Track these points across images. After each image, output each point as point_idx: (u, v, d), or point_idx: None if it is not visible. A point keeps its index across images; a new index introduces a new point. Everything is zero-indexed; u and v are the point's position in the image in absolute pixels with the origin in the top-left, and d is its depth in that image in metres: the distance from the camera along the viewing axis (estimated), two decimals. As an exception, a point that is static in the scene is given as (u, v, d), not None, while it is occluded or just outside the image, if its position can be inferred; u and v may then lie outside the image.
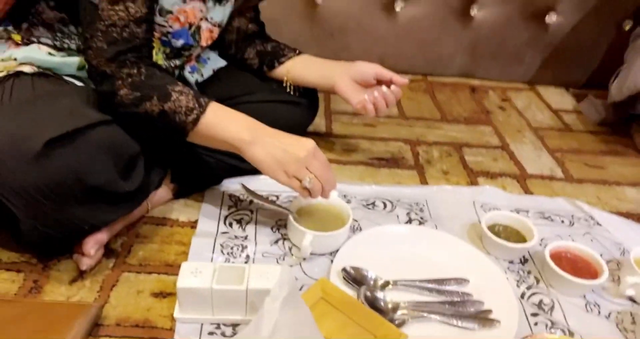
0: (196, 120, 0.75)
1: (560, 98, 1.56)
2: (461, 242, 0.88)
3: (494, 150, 1.24)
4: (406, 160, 1.16)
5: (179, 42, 0.86)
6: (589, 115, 1.45)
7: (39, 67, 0.79)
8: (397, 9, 1.49)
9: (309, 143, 0.77)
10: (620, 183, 1.15)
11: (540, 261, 0.87)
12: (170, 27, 0.83)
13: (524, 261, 0.88)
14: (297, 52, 1.04)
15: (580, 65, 1.58)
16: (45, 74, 0.79)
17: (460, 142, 1.26)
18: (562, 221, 0.99)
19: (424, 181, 1.09)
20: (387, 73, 0.99)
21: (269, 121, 0.90)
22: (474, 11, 1.50)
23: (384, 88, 0.99)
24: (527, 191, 1.09)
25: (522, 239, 0.89)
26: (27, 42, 0.80)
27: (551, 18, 1.50)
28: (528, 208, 1.01)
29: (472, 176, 1.12)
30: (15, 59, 0.78)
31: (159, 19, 0.81)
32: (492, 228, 0.89)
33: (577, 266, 0.83)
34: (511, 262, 0.87)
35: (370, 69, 1.00)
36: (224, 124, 0.76)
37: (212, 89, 0.97)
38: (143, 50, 0.76)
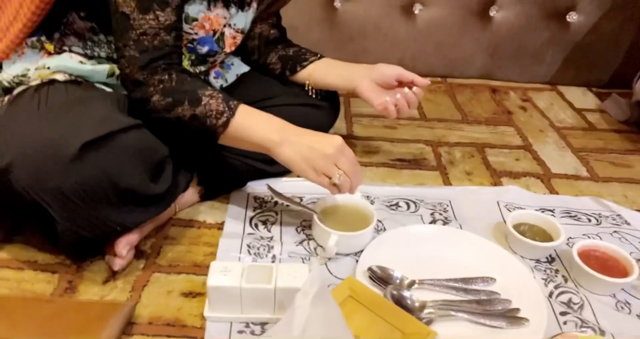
0: (226, 124, 0.77)
1: (582, 97, 1.54)
2: (486, 241, 0.88)
3: (517, 150, 1.24)
4: (428, 161, 1.17)
5: (204, 49, 0.88)
6: (613, 114, 1.43)
7: (71, 74, 0.82)
8: (416, 11, 1.50)
9: (336, 140, 0.78)
10: (647, 182, 1.13)
11: (567, 260, 0.86)
12: (196, 34, 0.85)
13: (551, 260, 0.87)
14: (319, 56, 1.05)
15: (602, 64, 1.57)
16: (77, 81, 0.82)
17: (483, 143, 1.26)
18: (589, 220, 0.98)
19: (447, 182, 1.09)
20: (408, 75, 0.99)
21: (294, 123, 0.92)
22: (493, 12, 1.50)
23: (405, 89, 0.99)
24: (552, 191, 1.08)
25: (548, 238, 0.88)
26: (59, 51, 0.83)
27: (572, 17, 1.49)
28: (553, 207, 1.01)
29: (495, 176, 1.12)
30: (48, 68, 0.81)
31: (185, 26, 0.83)
32: (517, 228, 0.89)
33: (607, 264, 0.82)
34: (538, 261, 0.87)
35: (392, 71, 1.00)
36: (253, 126, 0.78)
37: (236, 94, 0.98)
38: (173, 56, 0.78)
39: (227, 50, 0.93)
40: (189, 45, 0.86)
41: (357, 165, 0.80)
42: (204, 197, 0.97)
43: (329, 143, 0.78)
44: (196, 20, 0.83)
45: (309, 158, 0.77)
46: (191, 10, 0.82)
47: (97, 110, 0.74)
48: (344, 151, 0.78)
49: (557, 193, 1.07)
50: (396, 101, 0.98)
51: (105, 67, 0.83)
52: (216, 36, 0.89)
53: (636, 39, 1.50)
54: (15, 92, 0.80)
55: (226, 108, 0.77)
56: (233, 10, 0.90)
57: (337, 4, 1.49)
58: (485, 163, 1.17)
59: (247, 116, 0.79)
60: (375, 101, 1.00)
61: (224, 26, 0.89)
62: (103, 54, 0.84)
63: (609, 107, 1.46)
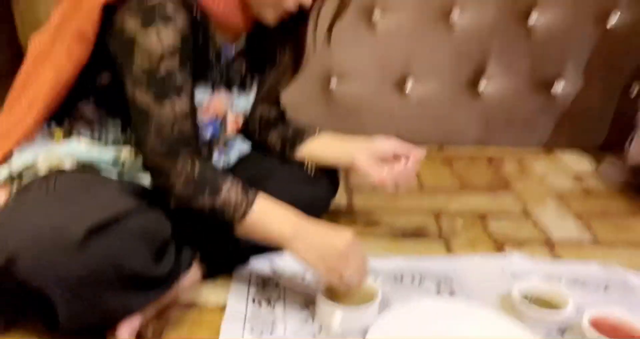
0: (243, 216, 0.80)
1: (578, 161, 1.57)
2: (494, 314, 0.86)
3: (518, 217, 1.25)
4: (430, 231, 1.17)
5: (208, 133, 0.92)
6: (610, 178, 1.45)
7: (78, 161, 0.85)
8: (408, 87, 1.57)
9: (347, 237, 0.80)
10: (652, 245, 1.13)
11: (578, 330, 0.84)
12: (202, 119, 0.89)
13: (562, 331, 0.85)
14: (317, 132, 1.08)
15: (593, 129, 1.62)
16: (84, 168, 0.85)
17: (483, 211, 1.27)
18: (597, 286, 0.96)
19: (450, 251, 1.09)
20: (404, 148, 1.02)
21: (292, 201, 0.93)
22: (482, 85, 1.57)
23: (402, 162, 1.02)
24: (556, 257, 1.08)
25: (557, 307, 0.86)
26: (68, 135, 0.87)
27: (558, 87, 1.56)
28: (560, 274, 0.99)
29: (498, 244, 1.12)
30: (56, 155, 0.84)
31: None
32: (525, 298, 0.87)
33: (619, 334, 0.80)
34: (549, 332, 0.84)
35: (388, 145, 1.03)
36: (267, 220, 0.81)
37: (238, 172, 1.02)
38: (192, 142, 0.81)
39: (230, 132, 0.97)
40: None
41: (366, 262, 0.83)
42: (206, 276, 0.96)
43: (341, 240, 0.79)
44: (201, 106, 0.88)
45: (321, 255, 0.79)
46: (197, 95, 0.87)
47: (102, 196, 0.77)
48: (355, 248, 0.80)
49: (561, 258, 1.07)
50: (394, 175, 1.01)
51: (111, 154, 0.87)
52: (218, 120, 0.93)
53: (621, 104, 1.56)
54: (24, 182, 0.83)
55: (244, 201, 0.80)
56: (235, 93, 0.95)
57: (332, 85, 1.57)
58: (487, 231, 1.17)
59: (263, 209, 0.81)
60: (373, 175, 1.02)
61: (226, 110, 0.94)
62: (111, 138, 0.88)
63: (605, 170, 1.49)
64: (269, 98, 1.09)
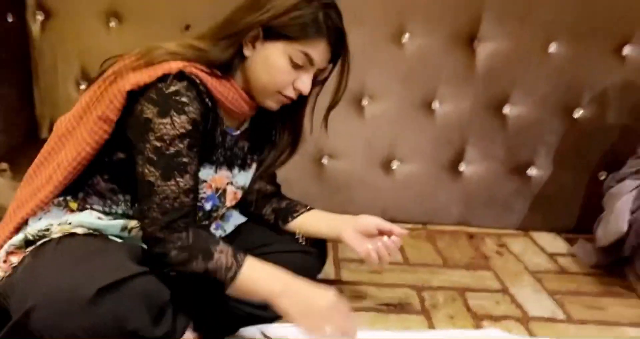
0: (234, 277, 0.87)
1: (553, 242, 1.66)
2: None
3: (496, 293, 1.31)
4: (413, 305, 1.23)
5: (209, 205, 1.01)
6: (582, 259, 1.54)
7: (89, 228, 0.92)
8: (394, 167, 1.69)
9: (330, 296, 0.87)
10: (620, 324, 1.20)
11: None
12: (204, 193, 0.98)
13: None
14: (308, 208, 1.18)
15: (566, 212, 1.73)
16: (94, 234, 0.92)
17: (463, 287, 1.33)
18: (569, 364, 1.02)
19: (431, 325, 1.14)
20: (387, 225, 1.11)
21: (285, 269, 1.00)
22: (462, 167, 1.70)
23: (385, 238, 1.10)
24: (531, 333, 1.13)
25: (530, 382, 0.91)
26: (81, 208, 0.95)
27: (532, 171, 1.69)
28: (533, 350, 1.05)
29: (477, 319, 1.18)
30: (70, 223, 0.92)
31: None
32: (499, 371, 0.92)
33: None
34: None
35: (372, 221, 1.12)
36: (257, 279, 0.88)
37: (235, 242, 1.09)
38: (190, 215, 0.89)
39: (228, 204, 1.06)
40: (198, 204, 0.98)
41: (349, 319, 0.89)
42: (200, 343, 1.00)
43: (323, 298, 0.87)
44: (205, 181, 0.97)
45: (305, 312, 0.86)
46: (201, 174, 0.96)
47: (111, 259, 0.84)
48: (338, 306, 0.87)
49: (535, 335, 1.12)
50: (377, 249, 1.09)
51: (120, 222, 0.94)
52: (219, 193, 1.02)
53: (591, 189, 1.68)
54: (39, 243, 0.90)
55: (234, 263, 0.87)
56: (236, 170, 1.05)
57: (324, 160, 1.69)
58: (467, 307, 1.23)
59: (252, 269, 0.89)
60: (358, 248, 1.10)
61: (227, 184, 1.04)
62: (120, 211, 0.96)
63: (577, 251, 1.57)
64: (267, 175, 1.19)
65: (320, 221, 1.15)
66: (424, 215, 1.73)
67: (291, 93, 0.96)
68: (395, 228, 1.11)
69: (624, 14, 1.56)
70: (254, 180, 1.14)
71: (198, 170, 0.92)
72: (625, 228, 1.32)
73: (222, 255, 0.88)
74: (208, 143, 0.95)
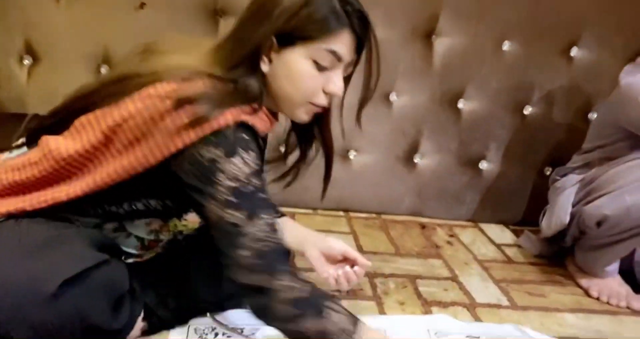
0: None
1: (501, 234, 1.73)
2: (418, 368, 0.93)
3: (445, 281, 1.35)
4: (365, 291, 1.24)
5: None
6: (527, 249, 1.60)
7: None
8: (351, 156, 1.71)
9: None
10: (560, 310, 1.26)
11: (493, 385, 0.92)
12: None
13: (478, 385, 0.93)
14: (280, 214, 1.13)
15: (513, 205, 1.79)
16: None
17: (414, 274, 1.36)
18: (511, 346, 1.06)
19: (382, 311, 1.16)
20: (352, 254, 1.03)
21: None
22: (417, 159, 1.73)
23: (347, 268, 1.03)
24: (477, 318, 1.17)
25: (474, 363, 0.95)
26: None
27: (483, 165, 1.75)
28: (479, 334, 1.08)
29: (426, 306, 1.21)
30: None
31: None
32: (446, 353, 0.95)
33: (527, 387, 0.89)
34: (467, 387, 0.92)
35: (339, 248, 1.04)
36: None
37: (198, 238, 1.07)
38: (284, 257, 0.80)
39: None
40: None
41: None
42: (146, 333, 0.97)
43: None
44: None
45: None
46: None
47: (74, 248, 0.80)
48: None
49: (481, 320, 1.16)
50: (337, 277, 1.02)
51: (94, 221, 0.87)
52: None
53: (538, 183, 1.75)
54: None
55: (351, 327, 0.75)
56: None
57: (281, 148, 1.68)
58: (417, 293, 1.26)
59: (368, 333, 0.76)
60: (319, 270, 1.03)
61: None
62: (133, 232, 0.91)
63: (523, 242, 1.64)
64: None
65: (287, 231, 1.09)
66: (378, 204, 1.76)
67: (323, 101, 0.86)
68: (360, 258, 1.03)
69: (572, 17, 1.63)
70: None
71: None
72: (567, 220, 1.39)
73: (336, 314, 0.75)
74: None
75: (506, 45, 1.64)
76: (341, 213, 1.74)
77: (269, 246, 0.76)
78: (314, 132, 0.98)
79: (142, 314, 0.95)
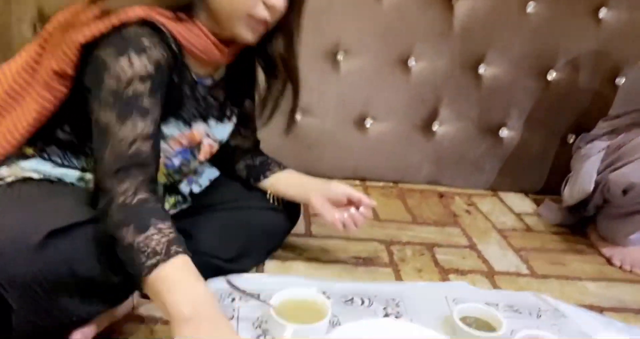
0: (152, 267, 0.71)
1: (520, 202, 1.69)
2: (435, 334, 0.92)
3: (463, 249, 1.33)
4: (381, 259, 1.23)
5: (177, 160, 0.95)
6: (547, 218, 1.57)
7: (43, 174, 0.87)
8: (367, 124, 1.67)
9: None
10: (581, 279, 1.23)
11: (511, 351, 0.90)
12: (172, 148, 0.92)
13: (496, 351, 0.91)
14: (282, 167, 1.13)
15: (534, 173, 1.75)
16: (50, 180, 0.87)
17: (432, 242, 1.34)
18: (530, 314, 1.04)
19: (399, 278, 1.15)
20: (356, 195, 1.07)
21: (255, 225, 0.97)
22: (435, 127, 1.69)
23: (352, 210, 1.06)
24: (495, 286, 1.16)
25: (492, 329, 0.93)
26: (37, 155, 0.88)
27: (503, 132, 1.70)
28: (497, 301, 1.07)
29: (444, 273, 1.19)
30: (22, 168, 0.86)
31: (162, 144, 0.87)
32: (463, 320, 0.94)
33: (546, 354, 0.87)
34: (484, 353, 0.91)
35: (342, 191, 1.08)
36: (173, 286, 0.71)
37: (207, 196, 1.06)
38: (147, 168, 0.80)
39: (201, 158, 1.00)
40: (167, 161, 0.93)
41: None
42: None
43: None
44: (173, 137, 0.91)
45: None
46: (167, 130, 0.89)
47: (64, 202, 0.79)
48: None
49: (500, 288, 1.15)
50: (344, 219, 1.05)
51: (76, 173, 0.89)
52: (192, 147, 0.96)
53: (559, 151, 1.71)
54: None
55: (163, 251, 0.72)
56: (212, 122, 0.98)
57: (297, 116, 1.65)
58: (434, 261, 1.25)
59: (177, 271, 0.72)
60: (325, 216, 1.06)
61: (204, 136, 0.97)
62: (78, 165, 0.89)
63: (543, 211, 1.61)
64: (245, 131, 1.13)
65: (291, 183, 1.11)
66: (396, 173, 1.73)
67: (263, 13, 0.84)
68: (365, 198, 1.07)
69: (602, -25, 1.55)
70: (232, 135, 1.08)
71: (159, 120, 0.82)
72: (591, 188, 1.35)
73: (157, 235, 0.73)
74: (175, 96, 0.87)
75: (530, 7, 1.57)
76: (357, 182, 1.72)
77: (129, 151, 0.77)
78: (276, 61, 0.96)
79: None
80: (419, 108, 1.67)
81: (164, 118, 0.85)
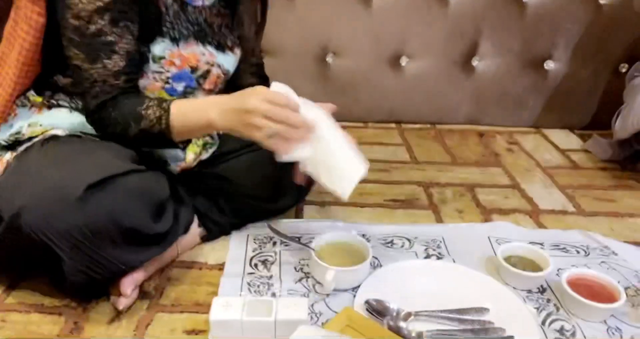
0: (168, 124, 0.82)
1: (566, 139, 1.61)
2: (479, 274, 0.91)
3: (505, 189, 1.29)
4: (421, 201, 1.21)
5: (181, 86, 0.92)
6: (596, 154, 1.50)
7: (68, 130, 0.87)
8: (403, 63, 1.60)
9: (258, 92, 0.79)
10: (633, 215, 1.18)
11: (558, 289, 0.89)
12: (168, 71, 0.89)
13: (542, 290, 0.90)
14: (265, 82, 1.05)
15: (582, 108, 1.65)
16: (77, 135, 0.88)
17: (472, 183, 1.31)
18: (578, 252, 1.01)
19: (439, 220, 1.13)
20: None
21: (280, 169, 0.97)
22: (475, 62, 1.60)
23: None
24: (540, 226, 1.12)
25: (538, 269, 0.91)
26: (47, 104, 0.90)
27: (548, 65, 1.60)
28: (542, 240, 1.04)
29: (486, 213, 1.16)
30: (40, 125, 0.87)
31: (154, 66, 0.87)
32: (508, 260, 0.92)
33: (595, 292, 0.85)
34: (529, 292, 0.89)
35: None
36: (189, 116, 0.83)
37: (233, 137, 1.05)
38: (121, 97, 0.84)
39: (206, 87, 0.97)
40: (167, 86, 0.91)
41: (288, 112, 0.78)
42: (205, 239, 1.00)
43: (249, 97, 0.78)
44: (163, 57, 0.88)
45: (238, 119, 0.79)
46: (156, 49, 0.87)
47: (100, 157, 0.80)
48: (270, 100, 0.77)
49: (545, 227, 1.11)
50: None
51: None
52: (197, 73, 0.93)
53: (609, 83, 1.60)
54: (21, 148, 0.85)
55: (162, 112, 0.82)
56: (211, 49, 0.93)
57: (328, 58, 1.59)
58: (476, 202, 1.22)
59: (181, 109, 0.83)
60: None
61: (212, 66, 0.94)
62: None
63: (591, 146, 1.53)
64: (250, 67, 1.07)
65: None
66: (433, 114, 1.67)
67: None
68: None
69: None
70: (238, 72, 1.04)
71: (135, 49, 0.83)
72: (646, 119, 1.26)
73: (150, 110, 0.82)
74: (153, 12, 0.85)
75: None
76: (393, 125, 1.67)
77: (103, 88, 0.81)
78: None
79: (196, 221, 0.98)
80: (458, 42, 1.58)
81: (150, 38, 0.85)
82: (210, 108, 0.82)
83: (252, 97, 0.78)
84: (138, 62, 0.85)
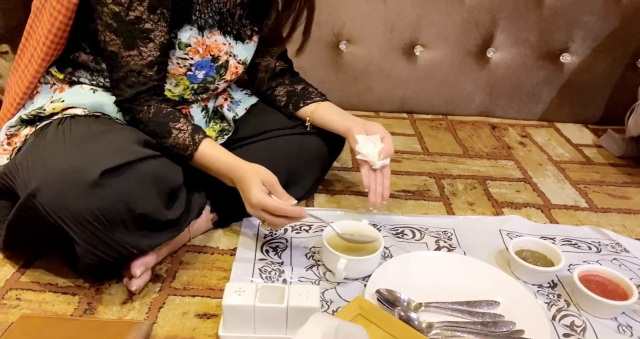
0: (191, 156, 0.88)
1: (579, 133, 1.60)
2: (490, 267, 0.91)
3: (517, 182, 1.28)
4: (432, 192, 1.21)
5: (201, 74, 0.93)
6: (609, 149, 1.49)
7: (89, 110, 0.88)
8: (417, 53, 1.59)
9: (253, 197, 0.85)
10: (645, 212, 1.17)
11: (569, 285, 0.89)
12: (192, 58, 0.90)
13: (553, 285, 0.90)
14: (323, 98, 1.08)
15: (596, 102, 1.64)
16: (96, 115, 0.88)
17: (484, 175, 1.30)
18: (589, 248, 1.01)
19: (450, 212, 1.13)
20: (388, 142, 1.00)
21: (299, 151, 1.00)
22: (490, 53, 1.58)
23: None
24: (552, 220, 1.12)
25: (549, 264, 0.91)
26: (69, 81, 0.91)
27: (565, 58, 1.58)
28: (554, 235, 1.04)
29: (497, 207, 1.16)
30: (62, 101, 0.88)
31: (179, 52, 0.89)
32: (519, 254, 0.92)
33: (607, 288, 0.85)
34: (540, 286, 0.89)
35: (380, 130, 1.01)
36: (210, 165, 0.89)
37: (250, 125, 1.05)
38: (156, 89, 0.88)
39: (227, 77, 0.98)
40: (189, 73, 0.91)
41: (278, 217, 0.86)
42: (217, 224, 1.01)
43: (248, 198, 0.86)
44: (189, 45, 0.89)
45: (244, 199, 0.88)
46: (183, 36, 0.88)
47: (117, 141, 0.81)
48: (263, 205, 0.84)
49: (557, 222, 1.11)
50: (374, 180, 0.99)
51: (110, 99, 0.89)
52: (217, 63, 0.94)
53: (625, 78, 1.58)
54: (40, 125, 0.86)
55: (191, 143, 0.87)
56: (230, 40, 0.95)
57: (342, 46, 1.58)
58: (487, 194, 1.21)
59: (206, 154, 0.88)
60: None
61: (230, 55, 0.95)
62: (106, 83, 0.91)
63: (605, 142, 1.52)
64: (272, 50, 1.08)
65: (333, 112, 1.05)
66: (446, 105, 1.66)
67: None
68: (390, 148, 1.00)
69: None
70: (259, 55, 1.06)
71: (167, 37, 0.85)
72: (661, 116, 1.25)
73: (181, 134, 0.87)
74: (181, 1, 0.86)
75: None
76: (404, 115, 1.66)
77: (139, 79, 0.85)
78: None
79: (208, 206, 0.98)
80: (473, 33, 1.56)
81: (179, 25, 0.87)
82: (228, 175, 0.89)
83: (249, 201, 0.86)
84: (168, 51, 0.87)
